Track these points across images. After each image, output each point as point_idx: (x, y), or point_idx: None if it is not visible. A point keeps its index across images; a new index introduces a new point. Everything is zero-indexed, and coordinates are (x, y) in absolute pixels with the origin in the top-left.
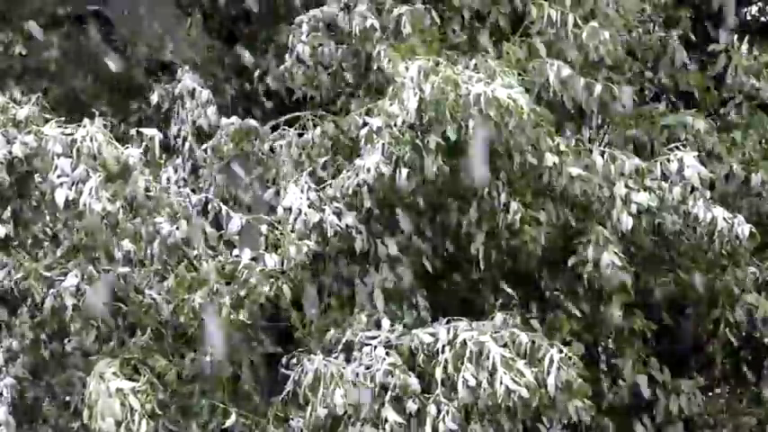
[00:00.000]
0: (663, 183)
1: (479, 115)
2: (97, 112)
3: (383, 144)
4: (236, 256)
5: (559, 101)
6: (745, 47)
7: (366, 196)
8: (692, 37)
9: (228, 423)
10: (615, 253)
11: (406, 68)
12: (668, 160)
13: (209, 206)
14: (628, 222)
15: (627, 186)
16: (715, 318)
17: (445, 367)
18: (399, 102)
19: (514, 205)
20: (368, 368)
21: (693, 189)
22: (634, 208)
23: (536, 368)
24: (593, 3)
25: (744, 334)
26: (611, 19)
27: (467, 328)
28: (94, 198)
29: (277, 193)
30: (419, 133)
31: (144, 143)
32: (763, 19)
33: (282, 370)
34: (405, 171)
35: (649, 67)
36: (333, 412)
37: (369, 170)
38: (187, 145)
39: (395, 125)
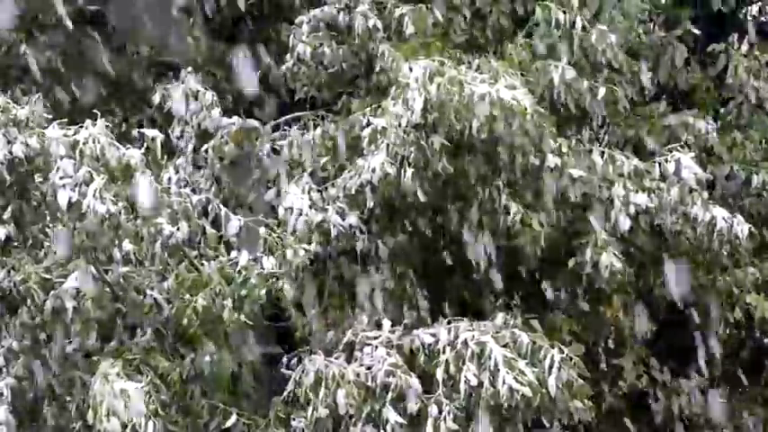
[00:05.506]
0: (661, 183)
1: (483, 116)
2: (99, 113)
3: (388, 144)
4: (235, 257)
5: (561, 102)
6: (745, 47)
7: (369, 196)
8: (692, 37)
9: (229, 423)
10: (614, 254)
11: (410, 69)
12: (666, 161)
13: (210, 207)
14: (625, 223)
15: (625, 188)
16: (715, 318)
17: (446, 367)
18: (404, 102)
19: (514, 207)
20: (369, 368)
21: (692, 190)
22: (632, 209)
23: (537, 369)
24: (597, 5)
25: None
26: (615, 22)
27: (468, 328)
28: (98, 200)
29: (278, 193)
30: (424, 134)
31: (145, 144)
32: (763, 19)
33: (283, 370)
34: (410, 171)
35: (649, 68)
36: (335, 412)
37: (374, 170)
38: (190, 146)
39: (399, 125)
